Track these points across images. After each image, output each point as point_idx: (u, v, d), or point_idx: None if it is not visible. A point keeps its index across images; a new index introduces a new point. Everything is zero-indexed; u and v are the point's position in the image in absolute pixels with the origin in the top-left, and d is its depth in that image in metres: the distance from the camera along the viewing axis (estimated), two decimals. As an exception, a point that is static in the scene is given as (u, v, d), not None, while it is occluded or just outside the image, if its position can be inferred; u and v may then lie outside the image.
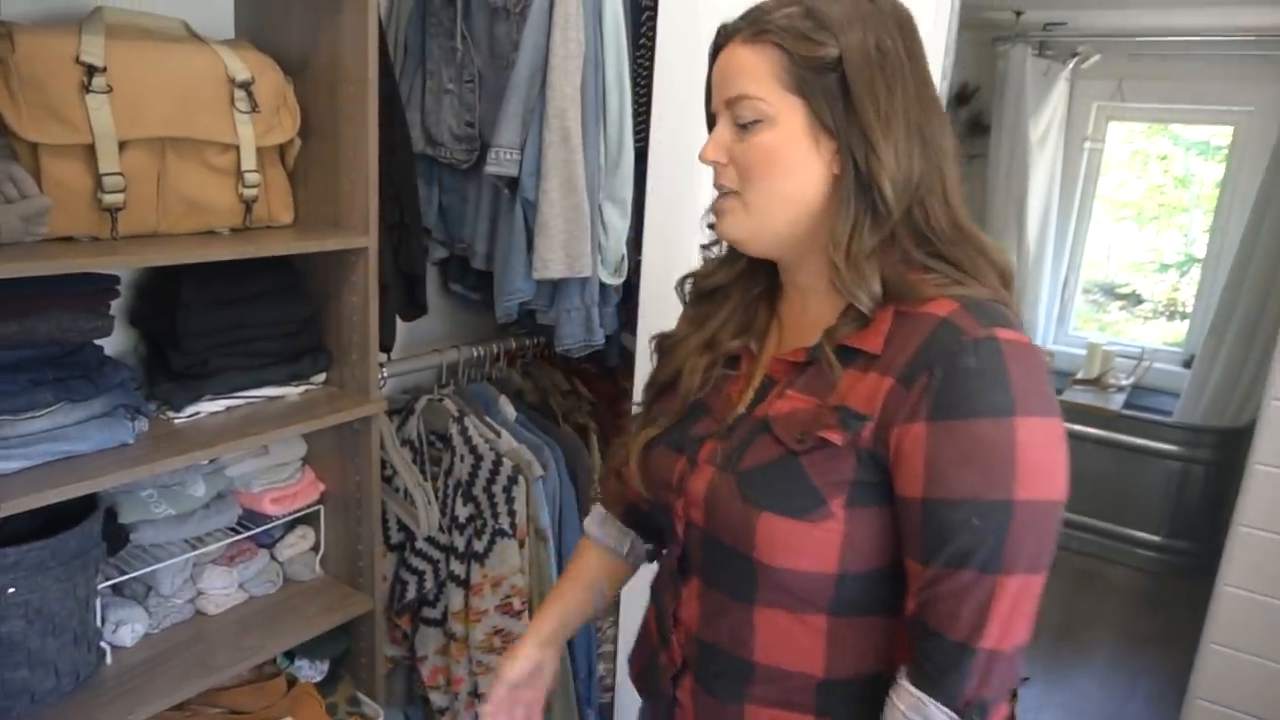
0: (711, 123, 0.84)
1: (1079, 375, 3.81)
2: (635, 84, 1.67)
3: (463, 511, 1.81)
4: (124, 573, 1.40)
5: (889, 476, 0.73)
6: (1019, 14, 3.55)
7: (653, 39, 1.62)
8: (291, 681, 1.61)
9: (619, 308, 1.82)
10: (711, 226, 0.90)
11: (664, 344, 0.97)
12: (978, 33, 3.78)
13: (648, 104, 1.65)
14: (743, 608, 0.80)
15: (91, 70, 1.18)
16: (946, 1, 1.40)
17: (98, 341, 1.31)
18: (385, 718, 1.69)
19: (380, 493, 1.63)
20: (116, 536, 1.38)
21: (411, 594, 1.86)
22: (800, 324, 0.85)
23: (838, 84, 0.74)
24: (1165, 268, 4.14)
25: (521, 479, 1.76)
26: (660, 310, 1.68)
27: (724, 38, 0.81)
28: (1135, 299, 4.24)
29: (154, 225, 1.31)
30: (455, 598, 1.82)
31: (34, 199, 1.14)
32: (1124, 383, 3.73)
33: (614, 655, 1.95)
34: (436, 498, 1.83)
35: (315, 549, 1.68)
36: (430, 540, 1.85)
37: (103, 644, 1.37)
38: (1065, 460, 0.70)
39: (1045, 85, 3.74)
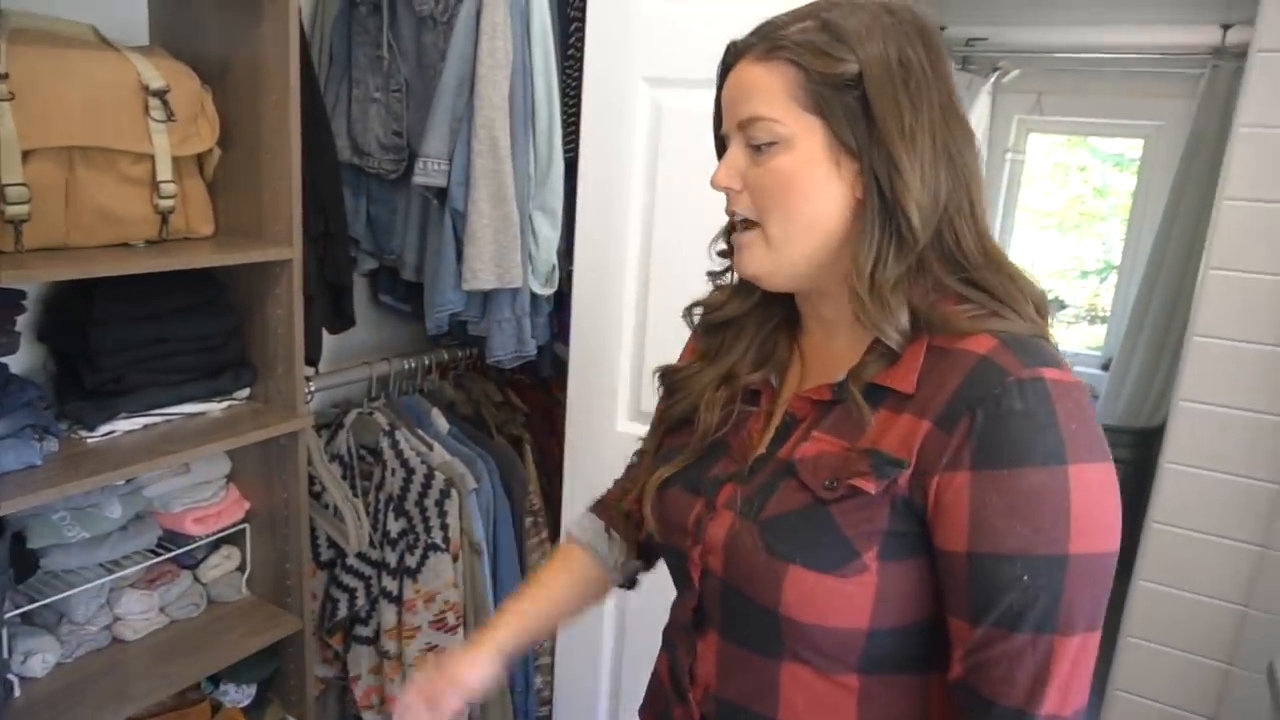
0: (721, 147, 0.79)
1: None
2: (564, 93, 1.67)
3: (395, 526, 1.79)
4: (34, 600, 1.34)
5: (926, 527, 0.67)
6: (942, 28, 3.65)
7: (581, 48, 1.63)
8: (216, 707, 1.57)
9: (551, 318, 1.82)
10: (722, 254, 0.85)
11: (673, 378, 0.90)
12: (904, 47, 3.87)
13: (577, 114, 1.65)
14: (766, 665, 0.74)
15: (-8, 77, 1.13)
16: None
17: (2, 359, 1.26)
18: (316, 740, 1.65)
19: (308, 509, 1.59)
20: (25, 563, 1.32)
21: (343, 612, 1.82)
22: (824, 358, 0.80)
23: (858, 101, 0.69)
24: (1086, 274, 4.30)
25: (454, 492, 1.74)
26: (593, 320, 1.68)
27: (734, 56, 0.75)
28: (1059, 304, 4.39)
29: (63, 238, 1.26)
30: (388, 614, 1.78)
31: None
32: (1048, 386, 3.83)
33: (551, 668, 1.94)
34: (368, 513, 1.79)
35: (241, 569, 1.64)
36: (361, 556, 1.81)
37: (10, 676, 1.31)
38: (1118, 508, 0.65)
39: (968, 99, 3.85)
